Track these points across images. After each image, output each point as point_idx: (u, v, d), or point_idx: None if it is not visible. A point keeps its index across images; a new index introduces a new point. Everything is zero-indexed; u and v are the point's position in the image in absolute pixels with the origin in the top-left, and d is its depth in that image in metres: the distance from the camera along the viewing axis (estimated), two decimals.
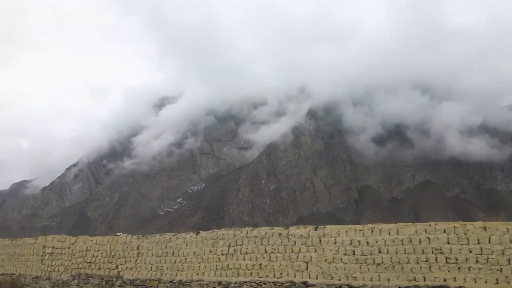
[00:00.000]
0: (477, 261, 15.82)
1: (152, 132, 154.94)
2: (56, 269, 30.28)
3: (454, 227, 17.05)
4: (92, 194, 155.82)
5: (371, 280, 17.86)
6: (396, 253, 17.83)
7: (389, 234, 18.44)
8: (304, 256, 19.68)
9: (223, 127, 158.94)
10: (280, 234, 20.72)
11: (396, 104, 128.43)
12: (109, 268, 27.18)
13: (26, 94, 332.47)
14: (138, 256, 25.76)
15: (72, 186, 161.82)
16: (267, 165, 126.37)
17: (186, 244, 24.61)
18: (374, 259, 18.09)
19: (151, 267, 25.24)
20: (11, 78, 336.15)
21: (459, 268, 16.05)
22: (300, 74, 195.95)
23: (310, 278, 19.02)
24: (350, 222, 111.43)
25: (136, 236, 27.08)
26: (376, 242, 18.39)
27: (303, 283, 19.12)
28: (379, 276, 17.78)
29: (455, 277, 16.12)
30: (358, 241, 18.76)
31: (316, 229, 19.98)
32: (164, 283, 23.89)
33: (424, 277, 16.79)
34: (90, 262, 28.36)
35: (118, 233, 28.40)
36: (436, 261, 16.78)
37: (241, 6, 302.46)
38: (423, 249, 17.35)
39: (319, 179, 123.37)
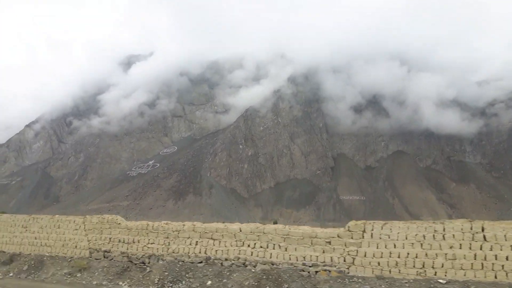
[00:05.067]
0: None
1: (121, 91, 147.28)
2: None
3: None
4: (54, 153, 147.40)
5: None
6: None
7: None
8: None
9: (196, 90, 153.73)
10: None
11: (374, 74, 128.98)
12: None
13: None
14: None
15: (32, 144, 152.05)
16: (244, 130, 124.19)
17: None
18: None
19: None
20: None
21: None
22: (281, 39, 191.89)
23: None
24: (327, 188, 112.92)
25: None
26: None
27: None
28: None
29: None
30: None
31: None
32: None
33: None
34: None
35: None
36: None
37: None
38: None
39: (296, 146, 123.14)
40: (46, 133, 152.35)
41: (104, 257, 20.81)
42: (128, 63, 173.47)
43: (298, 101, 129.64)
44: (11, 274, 21.44)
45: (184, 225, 20.26)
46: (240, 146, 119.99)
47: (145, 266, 19.67)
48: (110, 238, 21.12)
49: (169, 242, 19.93)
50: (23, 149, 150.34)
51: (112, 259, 20.55)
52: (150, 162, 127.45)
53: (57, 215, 23.88)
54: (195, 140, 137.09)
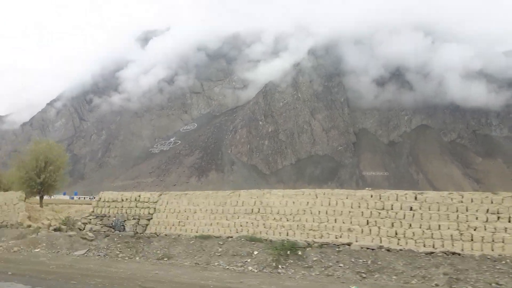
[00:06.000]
0: None
1: (140, 67, 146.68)
2: None
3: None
4: (77, 131, 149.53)
5: None
6: None
7: None
8: None
9: (214, 66, 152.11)
10: None
11: (398, 45, 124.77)
12: None
13: None
14: None
15: (54, 123, 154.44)
16: (264, 106, 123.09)
17: None
18: None
19: None
20: None
21: None
22: (301, 10, 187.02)
23: None
24: (349, 164, 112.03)
25: None
26: None
27: None
28: None
29: None
30: None
31: None
32: None
33: None
34: None
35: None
36: None
37: None
38: None
39: (317, 121, 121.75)
40: (68, 111, 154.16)
41: None
42: (145, 39, 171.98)
43: (319, 74, 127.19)
44: None
45: None
46: (260, 123, 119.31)
47: None
48: None
49: None
50: (46, 127, 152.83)
51: None
52: (172, 139, 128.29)
53: None
54: (214, 116, 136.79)
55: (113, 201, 18.79)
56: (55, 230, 18.44)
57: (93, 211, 18.93)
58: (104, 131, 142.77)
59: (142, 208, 18.13)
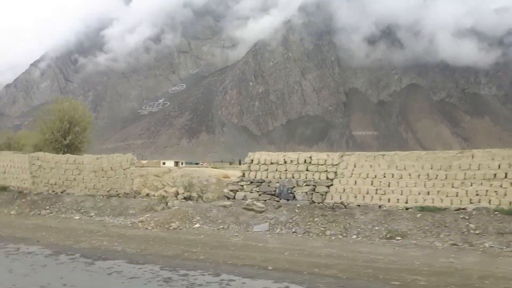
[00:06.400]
0: None
1: (125, 25, 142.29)
2: None
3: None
4: (62, 92, 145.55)
5: None
6: None
7: None
8: None
9: (201, 23, 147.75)
10: None
11: (389, 1, 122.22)
12: None
13: None
14: None
15: (39, 84, 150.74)
16: (254, 66, 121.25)
17: None
18: None
19: None
20: None
21: None
22: None
23: None
24: (339, 124, 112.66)
25: None
26: None
27: None
28: None
29: None
30: None
31: None
32: None
33: None
34: None
35: None
36: None
37: None
38: None
39: (308, 81, 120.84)
40: (52, 71, 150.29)
41: None
42: None
43: (310, 32, 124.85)
44: None
45: None
46: (250, 83, 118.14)
47: None
48: None
49: None
50: (31, 89, 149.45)
51: None
52: (160, 101, 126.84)
53: None
54: (203, 77, 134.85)
55: (271, 163, 15.10)
56: (185, 199, 15.41)
57: (243, 176, 15.28)
58: (90, 92, 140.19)
59: (317, 172, 14.59)
